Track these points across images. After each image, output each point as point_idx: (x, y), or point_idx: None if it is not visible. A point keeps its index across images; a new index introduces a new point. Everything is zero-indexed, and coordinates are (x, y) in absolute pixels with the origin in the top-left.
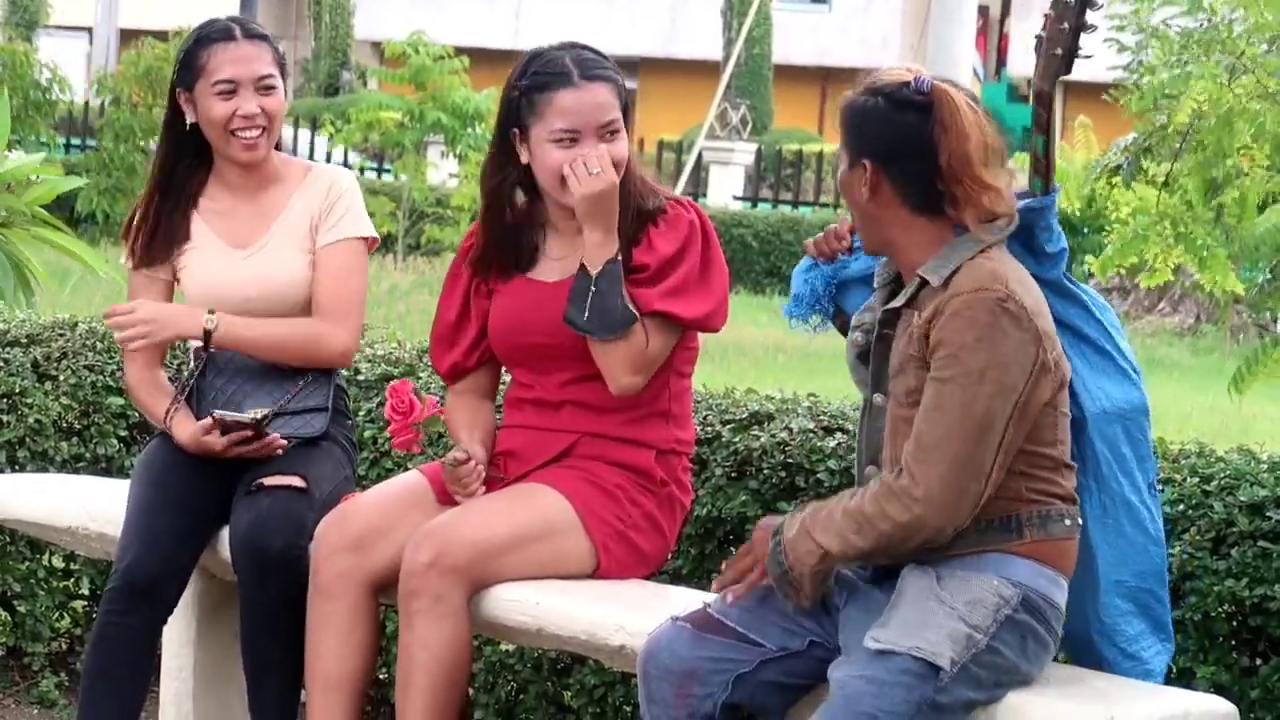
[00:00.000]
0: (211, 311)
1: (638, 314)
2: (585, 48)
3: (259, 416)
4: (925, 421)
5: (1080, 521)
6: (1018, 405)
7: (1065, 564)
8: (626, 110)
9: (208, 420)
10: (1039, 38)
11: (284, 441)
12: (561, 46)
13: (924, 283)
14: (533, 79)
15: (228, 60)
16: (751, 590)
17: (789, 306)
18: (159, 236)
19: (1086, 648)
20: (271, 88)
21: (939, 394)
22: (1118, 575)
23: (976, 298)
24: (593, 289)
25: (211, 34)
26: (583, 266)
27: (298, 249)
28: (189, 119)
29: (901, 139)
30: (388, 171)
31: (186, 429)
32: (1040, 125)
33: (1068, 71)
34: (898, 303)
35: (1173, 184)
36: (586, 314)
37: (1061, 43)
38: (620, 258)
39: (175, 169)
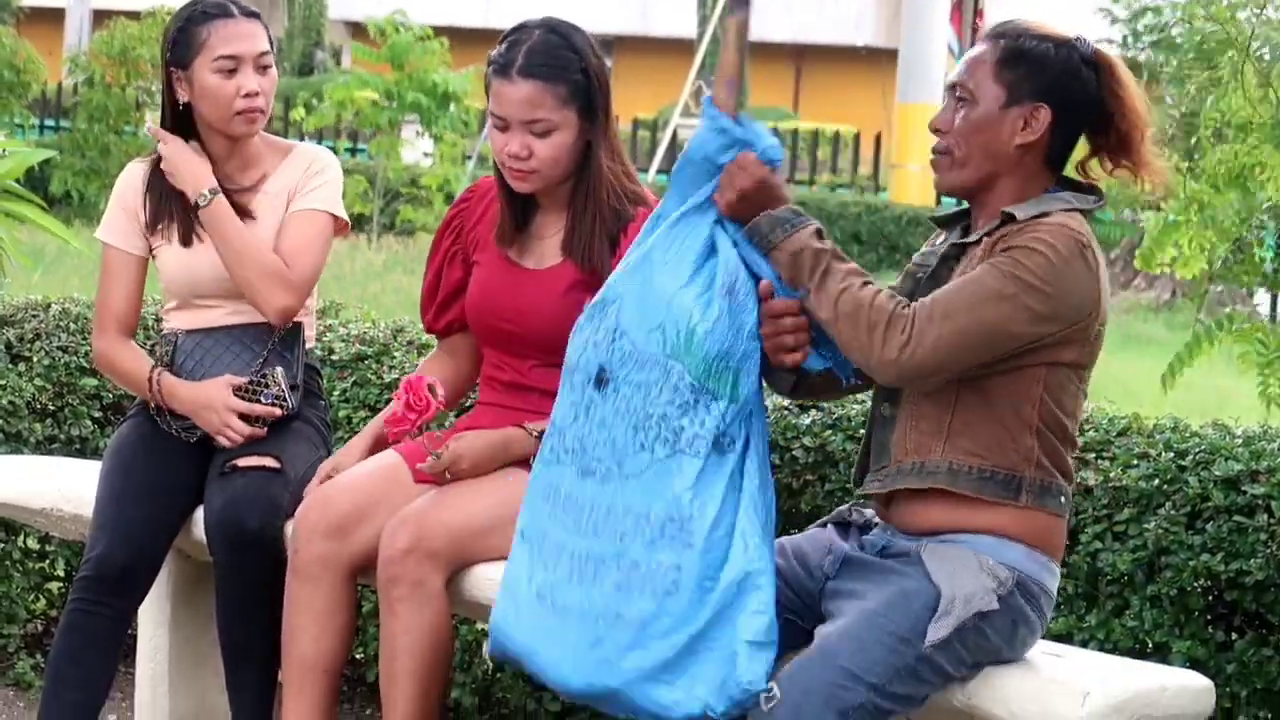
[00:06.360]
0: (214, 191)
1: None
2: (555, 30)
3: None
4: (956, 285)
5: (1071, 504)
6: (1035, 340)
7: (1055, 547)
8: (591, 103)
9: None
10: None
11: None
12: (528, 26)
13: (1005, 221)
14: (491, 59)
15: (229, 36)
16: None
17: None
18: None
19: None
20: (268, 67)
21: (985, 272)
22: None
23: (1063, 231)
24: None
25: (208, 10)
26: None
27: (278, 225)
28: (182, 98)
29: (1084, 93)
30: (362, 151)
31: (202, 389)
32: None
33: None
34: (973, 237)
35: (1196, 173)
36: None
37: None
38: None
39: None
